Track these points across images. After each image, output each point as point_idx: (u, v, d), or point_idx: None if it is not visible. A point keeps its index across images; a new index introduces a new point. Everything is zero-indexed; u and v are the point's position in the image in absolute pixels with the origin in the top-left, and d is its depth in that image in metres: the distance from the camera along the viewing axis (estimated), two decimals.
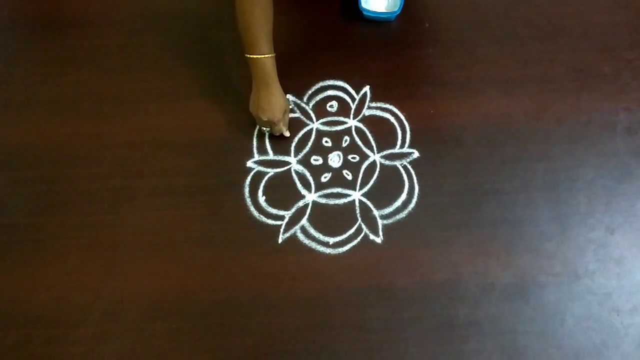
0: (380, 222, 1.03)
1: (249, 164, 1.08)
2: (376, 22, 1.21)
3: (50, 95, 1.17)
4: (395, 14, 1.18)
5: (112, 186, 1.07)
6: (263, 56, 0.98)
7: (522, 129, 1.09)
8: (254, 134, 1.11)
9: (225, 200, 1.05)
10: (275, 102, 1.03)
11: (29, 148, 1.12)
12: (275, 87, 1.03)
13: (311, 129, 1.12)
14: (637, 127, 1.09)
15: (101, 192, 1.07)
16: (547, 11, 1.22)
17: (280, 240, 1.02)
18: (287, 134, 1.09)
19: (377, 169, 1.07)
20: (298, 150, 1.10)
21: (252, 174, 1.07)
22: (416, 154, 1.08)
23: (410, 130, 1.10)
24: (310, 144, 1.10)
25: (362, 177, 1.07)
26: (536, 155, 1.07)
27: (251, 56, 0.99)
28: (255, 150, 1.10)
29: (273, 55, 1.00)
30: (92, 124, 1.13)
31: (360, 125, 1.11)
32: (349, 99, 1.14)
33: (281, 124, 1.06)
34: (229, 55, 1.20)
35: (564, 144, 1.08)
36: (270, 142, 1.10)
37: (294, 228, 1.03)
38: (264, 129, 1.08)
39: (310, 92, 1.15)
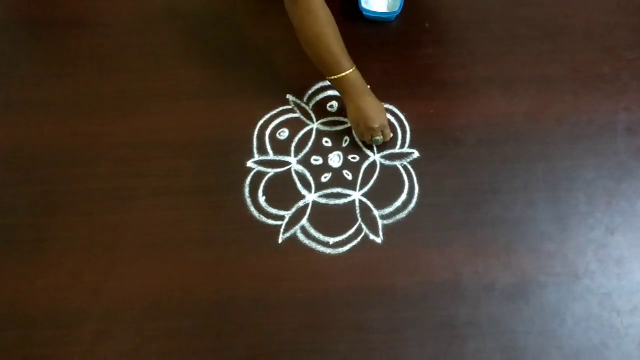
0: (380, 222, 1.03)
1: (249, 164, 1.08)
2: (376, 22, 1.21)
3: (50, 95, 1.17)
4: (395, 14, 1.18)
5: (112, 186, 1.07)
6: (349, 71, 0.98)
7: (522, 129, 1.09)
8: (254, 134, 1.11)
9: (225, 200, 1.05)
10: (379, 107, 1.03)
11: (29, 148, 1.12)
12: (369, 94, 1.02)
13: (311, 129, 1.12)
14: (637, 127, 1.09)
15: (101, 192, 1.06)
16: (547, 11, 1.22)
17: (280, 240, 1.02)
18: (391, 135, 1.08)
19: (377, 169, 1.07)
20: (298, 150, 1.10)
21: (252, 174, 1.08)
22: (416, 154, 1.08)
23: (410, 130, 1.10)
24: (310, 144, 1.10)
25: (362, 177, 1.07)
26: (536, 155, 1.07)
27: (338, 76, 0.98)
28: (255, 150, 1.10)
29: (355, 66, 0.99)
30: (92, 124, 1.13)
31: None
32: None
33: (387, 127, 1.05)
34: (229, 55, 1.20)
35: (564, 144, 1.08)
36: (270, 142, 1.10)
37: (294, 228, 1.03)
38: (377, 138, 1.04)
39: (310, 92, 1.15)
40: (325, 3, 0.95)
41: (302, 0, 0.91)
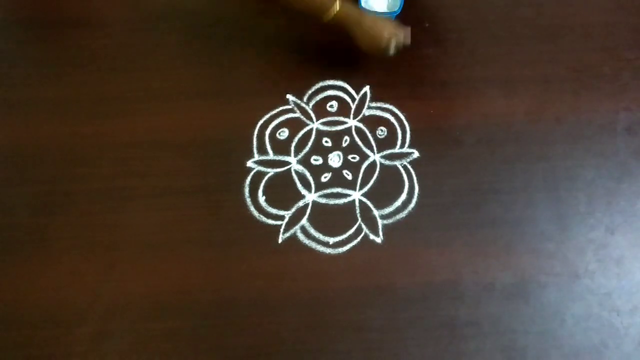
0: (380, 222, 1.03)
1: (249, 164, 1.08)
2: None
3: (50, 95, 1.17)
4: (395, 14, 1.18)
5: (112, 186, 1.07)
6: (337, 6, 1.00)
7: (522, 129, 1.09)
8: (254, 134, 1.11)
9: (225, 200, 1.05)
10: (377, 21, 1.03)
11: (29, 148, 1.12)
12: (364, 15, 1.04)
13: (311, 129, 1.12)
14: (637, 127, 1.09)
15: (101, 192, 1.06)
16: (547, 11, 1.22)
17: (280, 240, 1.02)
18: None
19: (377, 169, 1.07)
20: (298, 150, 1.10)
21: (252, 174, 1.07)
22: (416, 154, 1.08)
23: (410, 130, 1.10)
24: (310, 144, 1.10)
25: (362, 177, 1.07)
26: (536, 155, 1.07)
27: (330, 12, 1.01)
28: (255, 150, 1.10)
29: None
30: (92, 124, 1.13)
31: (360, 125, 1.12)
32: (349, 99, 1.14)
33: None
34: (229, 55, 1.20)
35: (564, 144, 1.08)
36: (270, 142, 1.10)
37: (294, 228, 1.03)
38: (397, 43, 1.04)
39: (310, 92, 1.15)
40: None
41: None
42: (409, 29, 1.06)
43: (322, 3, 1.01)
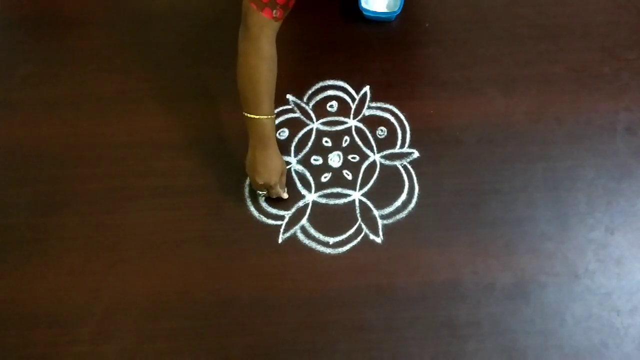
0: (380, 222, 1.03)
1: None
2: (376, 22, 1.21)
3: (50, 95, 1.17)
4: (395, 14, 1.18)
5: (112, 186, 1.07)
6: (265, 117, 0.94)
7: (522, 129, 1.09)
8: None
9: (225, 200, 1.05)
10: (272, 165, 0.98)
11: (29, 148, 1.12)
12: (273, 149, 0.98)
13: (311, 129, 1.12)
14: (637, 127, 1.09)
15: (101, 192, 1.07)
16: (547, 11, 1.22)
17: (280, 240, 1.02)
18: (285, 196, 1.04)
19: (377, 169, 1.07)
20: (298, 150, 1.10)
21: None
22: (416, 154, 1.08)
23: (410, 130, 1.10)
24: (310, 144, 1.10)
25: (362, 177, 1.07)
26: (536, 155, 1.07)
27: (252, 116, 0.94)
28: None
29: (274, 116, 0.96)
30: (92, 124, 1.13)
31: (360, 125, 1.12)
32: (349, 99, 1.14)
33: (277, 187, 1.00)
34: (228, 56, 1.20)
35: (564, 144, 1.08)
36: None
37: (294, 228, 1.03)
38: (260, 193, 1.02)
39: (310, 92, 1.15)
40: (274, 45, 0.92)
41: (254, 28, 0.88)
42: (284, 191, 1.03)
43: (260, 103, 0.92)
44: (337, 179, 1.07)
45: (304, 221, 1.03)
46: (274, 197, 1.03)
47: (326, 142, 1.10)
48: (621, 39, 1.18)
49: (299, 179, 1.07)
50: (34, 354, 0.95)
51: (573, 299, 0.95)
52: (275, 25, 0.90)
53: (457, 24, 1.21)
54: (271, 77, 0.94)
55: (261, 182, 0.98)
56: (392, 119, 1.11)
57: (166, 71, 1.18)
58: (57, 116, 1.14)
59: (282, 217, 1.04)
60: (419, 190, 1.05)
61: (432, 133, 1.10)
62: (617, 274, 0.97)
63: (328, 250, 1.01)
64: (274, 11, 0.87)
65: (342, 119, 1.13)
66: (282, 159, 1.01)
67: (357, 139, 1.10)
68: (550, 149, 1.07)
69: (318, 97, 1.14)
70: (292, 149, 1.10)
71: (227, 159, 1.09)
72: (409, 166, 1.07)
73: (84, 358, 0.94)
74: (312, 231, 1.02)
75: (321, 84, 1.16)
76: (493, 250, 0.99)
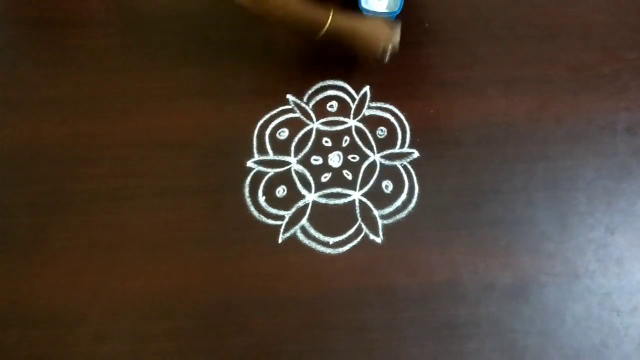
0: (380, 222, 1.03)
1: (249, 164, 1.08)
2: None
3: (50, 95, 1.17)
4: (395, 14, 1.18)
5: (112, 186, 1.07)
6: (330, 18, 0.98)
7: (522, 129, 1.09)
8: (254, 134, 1.11)
9: (225, 200, 1.05)
10: (373, 26, 1.04)
11: (29, 148, 1.12)
12: (359, 20, 1.03)
13: (311, 129, 1.12)
14: (637, 127, 1.09)
15: (101, 192, 1.06)
16: (547, 11, 1.22)
17: (280, 240, 1.02)
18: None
19: (377, 169, 1.07)
20: (298, 150, 1.10)
21: (252, 174, 1.08)
22: (416, 154, 1.08)
23: (410, 130, 1.10)
24: (310, 144, 1.10)
25: (362, 177, 1.07)
26: (536, 155, 1.07)
27: (327, 27, 0.99)
28: (255, 150, 1.10)
29: (331, 9, 1.00)
30: (92, 124, 1.13)
31: (360, 125, 1.12)
32: (349, 99, 1.14)
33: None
34: (229, 55, 1.20)
35: (564, 144, 1.08)
36: (270, 142, 1.10)
37: (294, 228, 1.03)
38: (393, 46, 1.06)
39: (310, 92, 1.15)
40: None
41: None
42: (399, 29, 1.07)
43: (315, 18, 0.99)
44: (337, 179, 1.07)
45: (304, 221, 1.03)
46: (395, 41, 1.06)
47: (326, 142, 1.10)
48: (621, 39, 1.18)
49: (299, 179, 1.07)
50: (34, 354, 0.95)
51: (573, 299, 0.95)
52: None
53: (457, 24, 1.21)
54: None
55: (388, 34, 1.04)
56: (392, 119, 1.11)
57: (166, 71, 1.18)
58: (57, 116, 1.14)
59: (282, 217, 1.04)
60: (419, 190, 1.05)
61: (432, 133, 1.10)
62: (617, 274, 0.97)
63: (328, 250, 1.01)
64: None
65: (342, 119, 1.13)
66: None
67: (357, 139, 1.10)
68: (550, 149, 1.07)
69: (318, 97, 1.14)
70: (292, 149, 1.10)
71: (227, 159, 1.09)
72: (409, 166, 1.07)
73: (84, 358, 0.94)
74: (312, 231, 1.02)
75: (321, 83, 1.16)
76: (493, 250, 0.99)
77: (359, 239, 1.01)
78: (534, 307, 0.95)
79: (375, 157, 1.09)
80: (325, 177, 1.07)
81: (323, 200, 1.05)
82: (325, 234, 1.02)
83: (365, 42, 1.03)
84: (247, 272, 0.99)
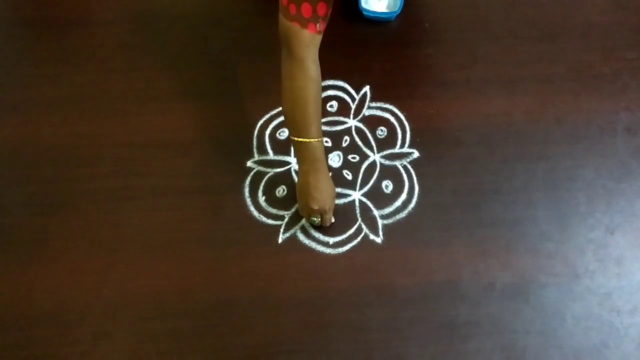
0: (380, 222, 1.03)
1: (249, 164, 1.08)
2: (376, 22, 1.21)
3: (50, 95, 1.17)
4: (395, 14, 1.18)
5: (112, 186, 1.07)
6: (316, 140, 0.91)
7: (522, 129, 1.09)
8: (254, 134, 1.11)
9: (225, 200, 1.05)
10: (326, 190, 0.95)
11: (29, 148, 1.12)
12: (325, 173, 0.95)
13: None
14: (637, 127, 1.09)
15: (101, 192, 1.06)
16: (547, 11, 1.22)
17: (280, 240, 1.02)
18: (333, 220, 1.01)
19: (377, 169, 1.07)
20: None
21: (252, 174, 1.08)
22: (416, 154, 1.08)
23: (410, 130, 1.10)
24: None
25: (362, 177, 1.07)
26: (536, 155, 1.07)
27: (302, 140, 0.90)
28: (255, 150, 1.10)
29: (323, 139, 0.93)
30: (92, 124, 1.13)
31: (360, 125, 1.12)
32: (349, 99, 1.14)
33: (331, 212, 0.98)
34: (229, 55, 1.20)
35: (564, 144, 1.08)
36: (270, 142, 1.10)
37: (294, 228, 1.03)
38: (313, 219, 0.98)
39: None
40: (319, 65, 0.90)
41: (298, 48, 0.86)
42: (332, 221, 1.00)
43: (308, 125, 0.90)
44: (337, 179, 1.07)
45: (304, 221, 1.03)
46: (327, 224, 0.99)
47: (326, 142, 1.10)
48: (621, 39, 1.18)
49: None
50: (34, 354, 0.95)
51: (573, 299, 0.95)
52: (319, 40, 0.88)
53: (457, 24, 1.21)
54: (319, 98, 0.91)
55: (316, 208, 0.95)
56: (392, 119, 1.11)
57: (166, 71, 1.18)
58: (57, 116, 1.14)
59: (282, 217, 1.04)
60: (419, 190, 1.05)
61: (432, 133, 1.10)
62: (617, 274, 0.97)
63: (328, 250, 1.01)
64: (318, 25, 0.86)
65: (342, 118, 1.12)
66: (332, 182, 0.98)
67: (357, 139, 1.10)
68: (550, 149, 1.07)
69: None
70: (292, 149, 1.10)
71: (227, 159, 1.09)
72: (409, 166, 1.07)
73: (84, 358, 0.94)
74: (312, 231, 1.02)
75: (321, 84, 1.15)
76: (493, 250, 0.99)
77: (359, 239, 1.01)
78: (534, 307, 0.95)
79: (375, 157, 1.09)
80: None
81: None
82: (325, 233, 1.02)
83: (304, 189, 0.95)
84: (247, 272, 0.99)
